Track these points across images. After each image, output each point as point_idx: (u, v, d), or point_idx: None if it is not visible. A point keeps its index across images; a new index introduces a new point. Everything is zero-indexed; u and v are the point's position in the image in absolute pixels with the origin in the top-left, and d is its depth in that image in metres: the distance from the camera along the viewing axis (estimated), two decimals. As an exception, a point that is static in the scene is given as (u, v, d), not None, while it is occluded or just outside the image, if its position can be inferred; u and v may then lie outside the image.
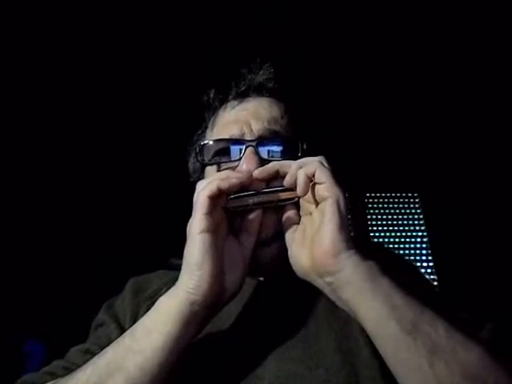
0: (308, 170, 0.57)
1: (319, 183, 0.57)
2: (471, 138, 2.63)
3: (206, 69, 1.59)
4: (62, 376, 0.57)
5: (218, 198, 0.57)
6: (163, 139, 2.08)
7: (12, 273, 2.03)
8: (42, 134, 2.25)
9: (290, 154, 0.68)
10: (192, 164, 0.83)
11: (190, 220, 0.56)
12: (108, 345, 0.55)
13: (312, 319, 0.63)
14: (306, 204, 0.61)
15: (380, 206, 2.97)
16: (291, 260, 0.61)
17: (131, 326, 0.57)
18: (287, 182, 0.60)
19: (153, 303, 0.57)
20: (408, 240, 2.86)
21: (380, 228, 2.91)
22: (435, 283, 2.68)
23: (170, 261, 0.77)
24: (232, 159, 0.69)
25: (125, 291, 0.75)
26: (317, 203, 0.59)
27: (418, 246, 2.83)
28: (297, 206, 0.63)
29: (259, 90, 0.77)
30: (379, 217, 2.94)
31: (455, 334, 0.49)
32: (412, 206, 2.95)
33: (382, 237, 2.88)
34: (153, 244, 2.08)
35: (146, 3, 1.99)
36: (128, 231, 2.29)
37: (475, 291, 2.29)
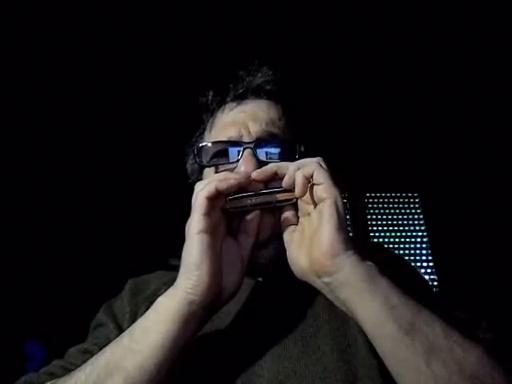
0: (306, 171, 0.58)
1: (317, 184, 0.57)
2: (471, 137, 2.63)
3: (205, 71, 1.59)
4: (61, 376, 0.57)
5: (216, 199, 0.57)
6: (162, 140, 2.08)
7: (12, 273, 2.03)
8: (42, 134, 2.25)
9: (287, 155, 0.68)
10: (190, 165, 0.83)
11: (189, 220, 0.56)
12: (107, 345, 0.56)
13: (310, 318, 0.64)
14: (304, 205, 0.62)
15: (380, 205, 2.96)
16: (289, 261, 0.61)
17: (130, 326, 0.57)
18: (285, 183, 0.60)
19: (151, 303, 0.57)
20: (408, 240, 2.86)
21: (380, 228, 2.91)
22: (435, 283, 2.69)
23: (169, 261, 0.78)
24: (230, 161, 0.69)
25: (124, 292, 0.75)
26: (315, 204, 0.59)
27: (418, 246, 2.83)
28: (295, 207, 0.63)
29: (257, 93, 0.77)
30: (379, 217, 2.93)
31: (452, 334, 0.49)
32: (412, 205, 2.95)
33: (381, 237, 2.88)
34: (152, 245, 2.08)
35: (145, 3, 1.99)
36: (127, 232, 2.29)
37: (475, 291, 2.29)
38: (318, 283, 0.57)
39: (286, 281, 0.64)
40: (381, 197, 2.98)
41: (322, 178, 0.56)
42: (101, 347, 0.56)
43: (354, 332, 0.60)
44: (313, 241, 0.56)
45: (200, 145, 0.74)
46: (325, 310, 0.64)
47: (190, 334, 0.54)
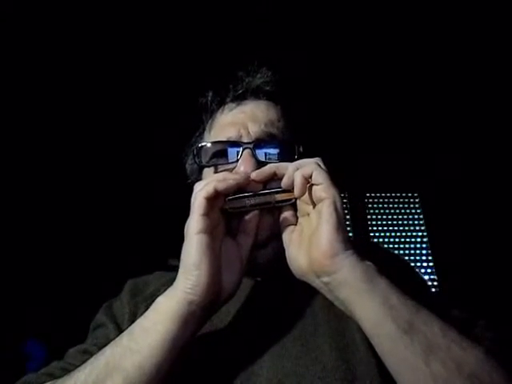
0: (305, 172, 0.58)
1: (316, 184, 0.57)
2: (471, 137, 2.63)
3: (204, 71, 1.60)
4: (61, 377, 0.57)
5: (215, 200, 0.57)
6: (162, 140, 2.09)
7: (12, 273, 2.03)
8: (42, 134, 2.26)
9: (286, 156, 0.68)
10: (190, 165, 0.83)
11: (188, 221, 0.57)
12: (106, 345, 0.56)
13: (309, 317, 0.64)
14: (303, 205, 0.62)
15: (380, 205, 2.96)
16: (289, 261, 0.61)
17: (129, 326, 0.57)
18: (284, 183, 0.61)
19: (151, 304, 0.57)
20: (408, 240, 2.86)
21: (380, 228, 2.91)
22: (435, 283, 2.69)
23: (168, 262, 0.78)
24: (229, 161, 0.70)
25: (123, 292, 0.76)
26: (314, 204, 0.59)
27: (418, 246, 2.83)
28: (294, 207, 0.63)
29: (256, 93, 0.78)
30: (379, 217, 2.93)
31: (451, 333, 0.50)
32: (412, 205, 2.95)
33: (382, 237, 2.88)
34: (152, 245, 2.08)
35: (145, 4, 1.99)
36: (127, 233, 2.29)
37: (475, 291, 2.29)
38: (316, 283, 0.58)
39: (285, 281, 0.64)
40: (381, 197, 2.98)
41: (320, 178, 0.56)
42: (100, 348, 0.56)
43: (352, 331, 0.60)
44: (312, 241, 0.56)
45: (199, 145, 0.74)
46: (323, 310, 0.64)
47: (190, 334, 0.55)
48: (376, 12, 2.10)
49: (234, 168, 0.68)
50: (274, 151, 0.70)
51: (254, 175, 0.62)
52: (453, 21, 2.14)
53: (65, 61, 2.12)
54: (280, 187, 0.61)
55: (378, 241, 2.85)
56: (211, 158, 0.72)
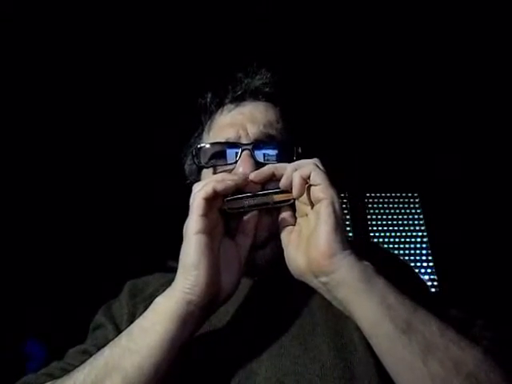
0: (303, 172, 0.58)
1: (314, 185, 0.57)
2: (471, 138, 2.63)
3: (203, 72, 1.60)
4: (60, 377, 0.58)
5: (213, 200, 0.58)
6: (161, 141, 2.09)
7: (12, 273, 2.04)
8: (42, 134, 2.26)
9: (285, 157, 0.69)
10: (188, 166, 0.84)
11: (186, 221, 0.57)
12: (105, 346, 0.56)
13: (307, 317, 0.64)
14: (301, 206, 0.62)
15: (380, 205, 2.96)
16: (287, 261, 0.62)
17: (128, 326, 0.57)
18: (283, 183, 0.61)
19: (150, 304, 0.57)
20: (408, 240, 2.85)
21: (380, 228, 2.90)
22: (435, 283, 2.69)
23: (167, 263, 0.78)
24: (228, 162, 0.70)
25: (122, 293, 0.76)
26: (312, 205, 0.60)
27: (418, 246, 2.82)
28: (292, 207, 0.64)
29: (255, 95, 0.78)
30: (379, 217, 2.93)
31: (448, 332, 0.50)
32: (412, 205, 2.95)
33: (382, 237, 2.88)
34: (152, 246, 2.08)
35: (145, 4, 1.99)
36: (127, 233, 2.29)
37: (475, 291, 2.29)
38: (315, 283, 0.58)
39: (284, 281, 0.64)
40: (381, 197, 2.97)
41: (318, 178, 0.57)
42: (99, 348, 0.57)
43: (350, 331, 0.61)
44: (310, 241, 0.57)
45: (198, 146, 0.75)
46: (321, 310, 0.64)
47: (188, 334, 0.55)
48: (376, 12, 2.10)
49: (233, 169, 0.68)
50: (272, 152, 0.70)
51: (253, 176, 0.62)
52: (453, 21, 2.14)
53: (65, 61, 2.12)
54: (278, 188, 0.62)
55: (378, 241, 2.85)
56: (210, 159, 0.72)
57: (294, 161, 0.63)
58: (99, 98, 2.26)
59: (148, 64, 2.20)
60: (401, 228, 2.89)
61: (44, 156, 2.28)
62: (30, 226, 2.20)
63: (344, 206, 2.89)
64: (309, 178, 0.58)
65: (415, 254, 2.80)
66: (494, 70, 2.35)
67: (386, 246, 2.82)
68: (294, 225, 0.63)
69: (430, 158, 2.74)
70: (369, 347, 0.55)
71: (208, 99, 0.81)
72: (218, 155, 0.71)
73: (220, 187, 0.57)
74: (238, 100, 0.78)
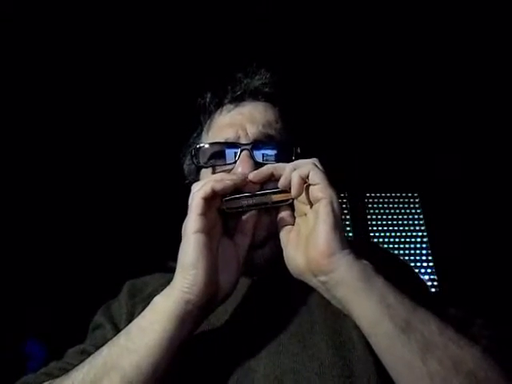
0: (302, 172, 0.58)
1: (313, 184, 0.58)
2: (471, 138, 2.63)
3: (203, 72, 1.60)
4: (59, 376, 0.58)
5: (212, 200, 0.58)
6: (160, 141, 2.09)
7: (12, 273, 2.04)
8: (42, 134, 2.26)
9: (284, 157, 0.69)
10: (187, 166, 0.84)
11: (185, 220, 0.57)
12: (104, 345, 0.56)
13: (306, 315, 0.64)
14: (300, 205, 0.62)
15: (380, 205, 2.96)
16: (286, 260, 0.62)
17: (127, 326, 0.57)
18: (281, 183, 0.61)
19: (148, 304, 0.57)
20: (408, 240, 2.85)
21: (380, 228, 2.91)
22: (435, 283, 2.69)
23: (167, 263, 0.78)
24: (227, 162, 0.70)
25: (121, 293, 0.76)
26: (311, 204, 0.60)
27: (418, 246, 2.83)
28: (291, 207, 0.64)
29: (255, 95, 0.78)
30: (379, 217, 2.93)
31: (447, 331, 0.50)
32: (412, 205, 2.95)
33: (381, 237, 2.88)
34: (151, 246, 2.08)
35: (145, 4, 1.99)
36: (126, 234, 2.30)
37: (475, 291, 2.29)
38: (314, 282, 0.58)
39: (283, 280, 0.65)
40: (381, 197, 2.97)
41: (317, 178, 0.57)
42: (98, 348, 0.57)
43: (349, 329, 0.61)
44: (309, 240, 0.57)
45: (197, 146, 0.75)
46: (320, 308, 0.64)
47: (187, 333, 0.55)
48: (376, 12, 2.10)
49: (232, 169, 0.69)
50: (271, 152, 0.70)
51: (252, 176, 0.62)
52: (452, 21, 2.14)
53: (64, 61, 2.12)
54: (277, 188, 0.62)
55: (378, 241, 2.85)
56: (209, 159, 0.73)
57: (293, 161, 0.63)
58: (99, 97, 2.27)
59: (148, 64, 2.21)
60: (401, 228, 2.90)
61: (44, 156, 2.28)
62: (30, 227, 2.20)
63: (344, 205, 2.90)
64: (307, 177, 0.58)
65: (415, 254, 2.80)
66: (494, 70, 2.35)
67: (386, 245, 2.83)
68: (293, 224, 0.63)
69: (430, 158, 2.74)
70: (368, 345, 0.55)
71: (207, 99, 0.81)
72: (217, 155, 0.71)
73: (219, 187, 0.57)
74: (238, 100, 0.78)
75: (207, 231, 0.56)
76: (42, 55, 2.06)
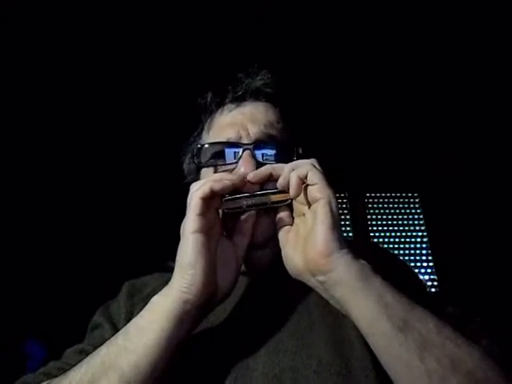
0: (300, 172, 0.58)
1: (311, 185, 0.58)
2: (471, 138, 2.63)
3: (203, 71, 1.60)
4: (57, 376, 0.58)
5: (211, 200, 0.58)
6: (160, 141, 2.09)
7: (12, 273, 2.04)
8: (42, 134, 2.26)
9: (285, 157, 0.69)
10: (187, 165, 0.84)
11: (184, 220, 0.57)
12: (102, 345, 0.56)
13: (305, 314, 0.64)
14: (298, 205, 0.62)
15: (380, 205, 2.96)
16: (285, 261, 0.62)
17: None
18: (280, 184, 0.61)
19: (147, 304, 0.57)
20: (408, 240, 2.85)
21: (380, 228, 2.91)
22: (435, 283, 2.69)
23: (167, 263, 0.78)
24: (229, 162, 0.70)
25: (120, 294, 0.76)
26: (309, 204, 0.60)
27: (418, 246, 2.83)
28: (290, 207, 0.64)
29: (256, 95, 0.78)
30: (379, 217, 2.93)
31: (445, 330, 0.50)
32: (412, 205, 2.95)
33: (382, 237, 2.88)
34: (151, 246, 2.08)
35: (146, 5, 1.99)
36: (126, 234, 2.30)
37: (475, 291, 2.29)
38: (312, 282, 0.58)
39: (282, 279, 0.65)
40: (381, 197, 2.97)
41: (316, 178, 0.57)
42: (96, 347, 0.57)
43: (348, 328, 0.61)
44: (307, 240, 0.57)
45: (198, 145, 0.75)
46: (319, 307, 0.64)
47: (185, 333, 0.55)
48: (376, 13, 2.10)
49: (234, 169, 0.68)
50: (273, 152, 0.70)
51: (251, 176, 0.62)
52: (452, 21, 2.14)
53: (65, 61, 2.13)
54: (276, 188, 0.62)
55: (378, 241, 2.85)
56: (210, 159, 0.72)
57: (294, 161, 0.63)
58: (99, 97, 2.27)
59: (148, 64, 2.21)
60: (401, 228, 2.90)
61: (44, 156, 2.29)
62: (30, 227, 2.20)
63: (344, 205, 2.90)
64: (306, 177, 0.58)
65: (415, 254, 2.80)
66: (494, 70, 2.35)
67: (386, 245, 2.83)
68: (292, 225, 0.63)
69: (430, 157, 2.74)
70: (366, 343, 0.55)
71: (208, 98, 0.81)
72: (219, 155, 0.71)
73: (217, 187, 0.57)
74: (239, 100, 0.78)
75: (206, 231, 0.56)
76: (42, 55, 2.06)
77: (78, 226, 2.32)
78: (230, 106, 0.78)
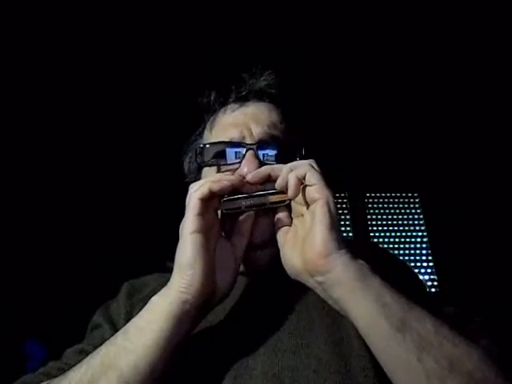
0: (298, 173, 0.58)
1: (310, 185, 0.58)
2: (471, 137, 2.63)
3: (206, 70, 1.60)
4: (57, 376, 0.58)
5: (210, 200, 0.58)
6: (161, 142, 2.09)
7: (12, 273, 2.04)
8: (42, 134, 2.26)
9: (288, 158, 0.68)
10: (188, 164, 0.84)
11: (182, 221, 0.57)
12: (102, 345, 0.56)
13: (304, 313, 0.64)
14: (297, 206, 0.63)
15: (380, 205, 2.96)
16: (283, 261, 0.62)
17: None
18: (278, 184, 0.61)
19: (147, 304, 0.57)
20: (408, 240, 2.85)
21: (380, 228, 2.91)
22: (435, 283, 2.69)
23: (166, 264, 0.78)
24: (232, 162, 0.70)
25: (120, 294, 0.76)
26: (308, 205, 0.60)
27: (418, 246, 2.82)
28: (288, 208, 0.64)
29: (259, 95, 0.79)
30: (379, 217, 2.93)
31: (443, 330, 0.50)
32: (412, 205, 2.95)
33: (381, 237, 2.88)
34: (151, 246, 2.08)
35: (147, 4, 1.99)
36: (126, 234, 2.30)
37: (475, 291, 2.28)
38: (311, 283, 0.58)
39: (281, 280, 0.65)
40: (381, 197, 2.97)
41: (314, 179, 0.57)
42: (96, 347, 0.57)
43: (347, 328, 0.61)
44: (306, 241, 0.57)
45: (201, 144, 0.75)
46: (318, 307, 0.64)
47: (184, 333, 0.55)
48: (376, 13, 2.10)
49: (237, 169, 0.69)
50: (276, 153, 0.71)
51: (250, 177, 0.62)
52: (452, 21, 2.14)
53: (65, 61, 2.13)
54: (275, 189, 0.62)
55: (378, 241, 2.85)
56: (213, 158, 0.73)
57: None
58: (99, 97, 2.27)
59: (150, 63, 2.21)
60: (401, 228, 2.89)
61: (44, 156, 2.29)
62: (30, 226, 2.20)
63: (344, 205, 2.90)
64: (304, 178, 0.58)
65: (415, 254, 2.80)
66: (494, 70, 2.35)
67: (386, 245, 2.83)
68: (290, 225, 0.64)
69: (430, 157, 2.74)
70: (365, 343, 0.56)
71: (212, 98, 0.81)
72: (222, 154, 0.71)
73: (216, 187, 0.57)
74: (242, 100, 0.78)
75: (204, 232, 0.56)
76: (42, 55, 2.07)
77: (78, 226, 2.32)
78: (233, 105, 0.78)
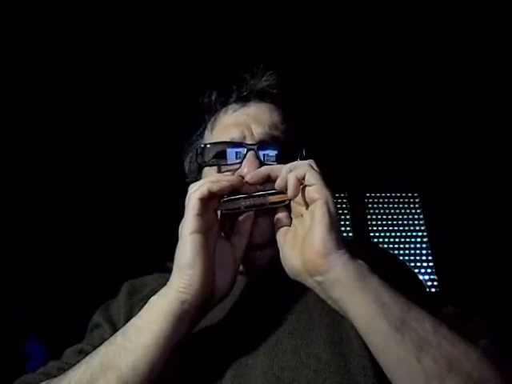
0: (298, 173, 0.59)
1: (309, 185, 0.58)
2: (471, 137, 2.63)
3: (208, 70, 1.60)
4: (57, 376, 0.58)
5: (209, 201, 0.58)
6: (162, 142, 2.09)
7: (12, 273, 2.04)
8: (42, 134, 2.26)
9: (288, 159, 0.68)
10: (189, 164, 0.84)
11: (182, 221, 0.57)
12: (101, 345, 0.56)
13: (303, 313, 0.64)
14: (296, 206, 0.63)
15: (380, 205, 2.96)
16: (283, 261, 0.62)
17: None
18: (278, 184, 0.61)
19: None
20: (408, 240, 2.85)
21: (380, 228, 2.91)
22: (435, 283, 2.69)
23: (166, 264, 0.78)
24: (232, 162, 0.70)
25: (120, 294, 0.76)
26: (307, 205, 0.60)
27: (418, 246, 2.82)
28: (288, 208, 0.64)
29: (261, 96, 0.79)
30: (379, 217, 2.93)
31: (442, 329, 0.50)
32: (412, 205, 2.95)
33: (381, 237, 2.88)
34: (151, 246, 2.08)
35: (149, 5, 1.99)
36: (126, 234, 2.30)
37: (475, 291, 2.29)
38: (310, 282, 0.58)
39: (280, 280, 0.65)
40: (381, 197, 2.97)
41: (313, 179, 0.57)
42: (96, 347, 0.57)
43: (346, 327, 0.61)
44: (305, 241, 0.57)
45: (202, 144, 0.75)
46: (317, 307, 0.64)
47: (183, 333, 0.55)
48: (376, 13, 2.10)
49: (237, 169, 0.69)
50: (276, 153, 0.70)
51: (249, 177, 0.62)
52: (452, 21, 2.14)
53: (65, 61, 2.13)
54: (274, 189, 0.62)
55: (378, 241, 2.85)
56: (214, 158, 0.73)
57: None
58: (99, 97, 2.27)
59: (151, 63, 2.21)
60: (401, 228, 2.89)
61: (44, 156, 2.29)
62: (30, 227, 2.20)
63: (344, 205, 2.90)
64: (303, 178, 0.58)
65: (415, 254, 2.80)
66: (494, 71, 2.35)
67: (386, 245, 2.83)
68: (290, 225, 0.64)
69: (430, 158, 2.74)
70: (364, 343, 0.56)
71: (212, 98, 0.81)
72: (222, 154, 0.71)
73: (215, 188, 0.57)
74: (243, 100, 0.78)
75: (204, 232, 0.56)
76: (42, 55, 2.07)
77: (78, 226, 2.32)
78: (234, 105, 0.78)
